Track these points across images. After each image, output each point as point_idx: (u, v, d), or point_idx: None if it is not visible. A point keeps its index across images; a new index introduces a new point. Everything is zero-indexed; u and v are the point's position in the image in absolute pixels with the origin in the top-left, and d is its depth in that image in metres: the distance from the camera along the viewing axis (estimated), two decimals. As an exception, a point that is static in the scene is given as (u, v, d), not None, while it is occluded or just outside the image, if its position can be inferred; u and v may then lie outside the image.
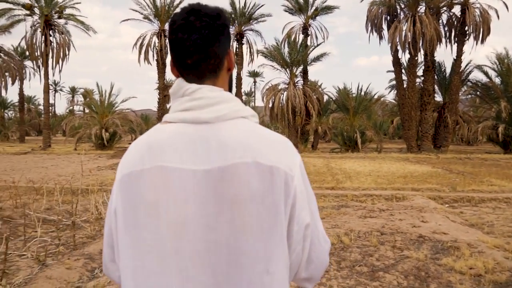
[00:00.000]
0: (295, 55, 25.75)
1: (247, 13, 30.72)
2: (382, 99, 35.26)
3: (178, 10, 0.90)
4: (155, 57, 28.63)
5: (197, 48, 0.84)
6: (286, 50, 26.41)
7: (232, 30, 31.37)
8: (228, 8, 30.59)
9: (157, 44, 28.26)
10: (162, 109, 29.78)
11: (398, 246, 4.61)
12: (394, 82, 29.23)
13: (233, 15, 30.74)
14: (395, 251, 4.45)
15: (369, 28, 24.92)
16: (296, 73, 26.74)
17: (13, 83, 29.91)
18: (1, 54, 28.55)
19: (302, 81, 27.26)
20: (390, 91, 46.05)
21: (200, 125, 0.83)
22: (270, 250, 0.80)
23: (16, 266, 4.01)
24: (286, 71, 26.48)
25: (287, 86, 26.17)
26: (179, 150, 0.82)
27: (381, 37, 24.99)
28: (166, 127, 0.86)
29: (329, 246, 0.93)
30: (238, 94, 31.36)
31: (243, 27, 31.32)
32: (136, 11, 28.30)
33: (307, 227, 0.85)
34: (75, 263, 4.04)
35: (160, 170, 0.82)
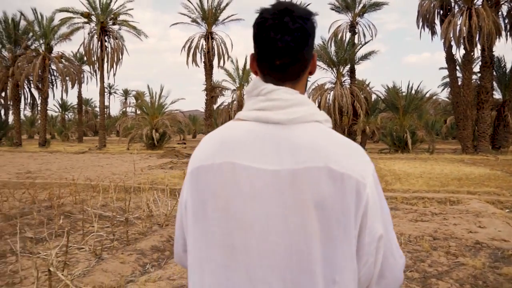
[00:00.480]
0: (342, 54, 25.29)
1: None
2: (434, 97, 33.70)
3: (268, 6, 0.87)
4: (203, 59, 29.30)
5: (289, 50, 0.83)
6: (332, 49, 26.05)
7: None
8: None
9: (204, 47, 28.91)
10: (210, 110, 30.45)
11: (452, 252, 4.38)
12: (447, 80, 27.86)
13: (278, 15, 30.69)
14: (449, 258, 4.23)
15: (421, 24, 23.88)
16: (343, 72, 26.27)
17: (72, 87, 31.88)
18: (63, 60, 30.56)
19: (349, 80, 26.72)
20: (443, 89, 43.95)
21: (273, 125, 0.83)
22: (338, 259, 0.78)
23: (75, 258, 4.28)
24: (333, 70, 26.08)
25: (333, 85, 25.77)
26: (250, 148, 0.82)
27: (433, 33, 23.87)
28: (239, 124, 0.87)
29: (403, 262, 0.89)
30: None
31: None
32: (185, 14, 29.13)
33: (380, 239, 0.82)
34: (128, 257, 4.23)
35: (230, 166, 0.82)
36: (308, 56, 0.87)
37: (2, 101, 31.23)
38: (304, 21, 0.84)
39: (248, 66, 32.02)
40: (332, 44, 26.51)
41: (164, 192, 7.08)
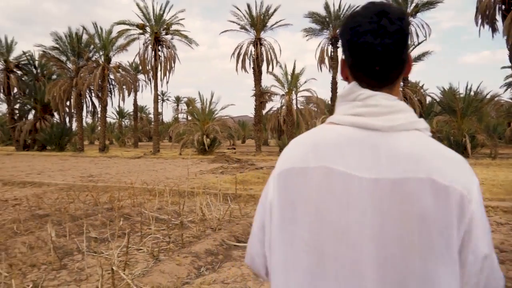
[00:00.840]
0: (393, 56, 24.43)
1: (341, 15, 30.16)
2: (496, 98, 31.52)
3: (358, 8, 0.83)
4: (252, 65, 29.69)
5: (389, 54, 0.79)
6: (383, 50, 25.23)
7: (327, 34, 31.07)
8: (322, 12, 30.42)
9: (253, 53, 29.29)
10: (259, 115, 30.71)
11: (521, 266, 4.07)
12: (511, 79, 25.95)
13: (327, 19, 30.47)
14: (517, 272, 3.94)
15: (480, 21, 22.55)
16: (395, 75, 25.36)
17: (129, 95, 33.60)
18: (120, 69, 32.35)
19: (401, 83, 25.71)
20: (506, 89, 41.00)
21: (370, 131, 0.79)
22: (442, 277, 0.74)
23: (135, 259, 4.50)
24: (384, 73, 25.28)
25: (385, 88, 24.96)
26: (346, 154, 0.79)
27: (494, 30, 22.41)
28: (333, 128, 0.83)
29: (503, 284, 0.82)
30: (334, 98, 30.87)
31: (338, 30, 30.82)
32: (234, 22, 29.74)
33: (484, 258, 0.76)
34: (183, 260, 4.37)
35: (325, 171, 0.79)
36: (405, 58, 0.83)
37: (67, 109, 33.65)
38: (401, 21, 0.80)
39: (296, 71, 32.03)
40: (383, 45, 25.74)
41: (217, 196, 7.24)
